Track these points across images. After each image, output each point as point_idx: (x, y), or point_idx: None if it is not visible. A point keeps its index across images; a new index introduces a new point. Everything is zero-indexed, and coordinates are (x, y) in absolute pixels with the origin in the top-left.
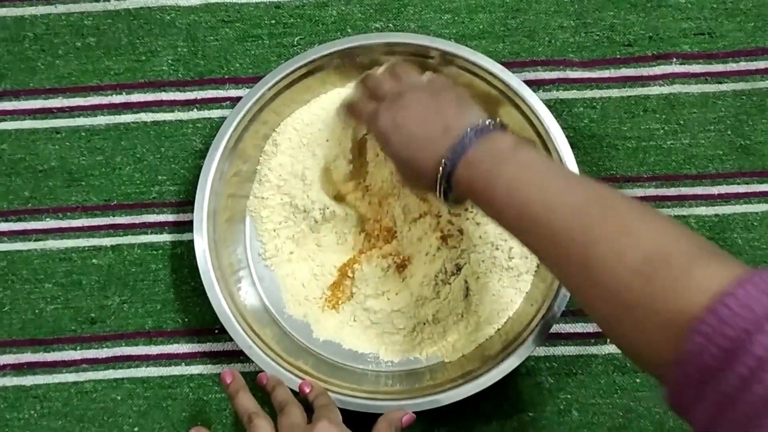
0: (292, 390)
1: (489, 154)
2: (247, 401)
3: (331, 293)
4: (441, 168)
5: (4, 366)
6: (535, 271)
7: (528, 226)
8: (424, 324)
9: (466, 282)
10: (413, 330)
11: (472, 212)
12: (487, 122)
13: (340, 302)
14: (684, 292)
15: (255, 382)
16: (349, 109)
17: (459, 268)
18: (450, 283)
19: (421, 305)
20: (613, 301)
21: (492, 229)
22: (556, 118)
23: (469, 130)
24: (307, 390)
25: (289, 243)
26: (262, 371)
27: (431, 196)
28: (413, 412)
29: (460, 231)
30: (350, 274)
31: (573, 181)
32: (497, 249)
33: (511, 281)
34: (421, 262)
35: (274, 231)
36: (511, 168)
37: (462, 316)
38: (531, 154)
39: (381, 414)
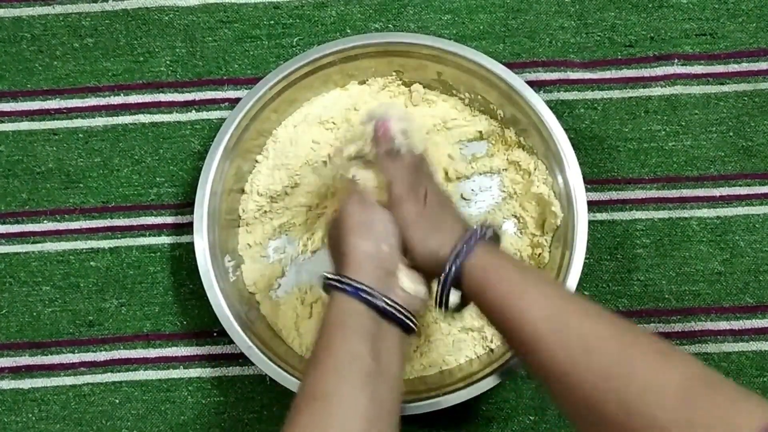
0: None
1: (487, 261)
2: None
3: None
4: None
5: (2, 369)
6: None
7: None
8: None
9: None
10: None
11: None
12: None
13: None
14: (733, 419)
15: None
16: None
17: None
18: None
19: None
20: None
21: None
22: (557, 119)
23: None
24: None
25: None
26: (260, 374)
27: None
28: (412, 415)
29: None
30: None
31: (582, 301)
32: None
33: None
34: None
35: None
36: (504, 281)
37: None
38: (525, 269)
39: None
